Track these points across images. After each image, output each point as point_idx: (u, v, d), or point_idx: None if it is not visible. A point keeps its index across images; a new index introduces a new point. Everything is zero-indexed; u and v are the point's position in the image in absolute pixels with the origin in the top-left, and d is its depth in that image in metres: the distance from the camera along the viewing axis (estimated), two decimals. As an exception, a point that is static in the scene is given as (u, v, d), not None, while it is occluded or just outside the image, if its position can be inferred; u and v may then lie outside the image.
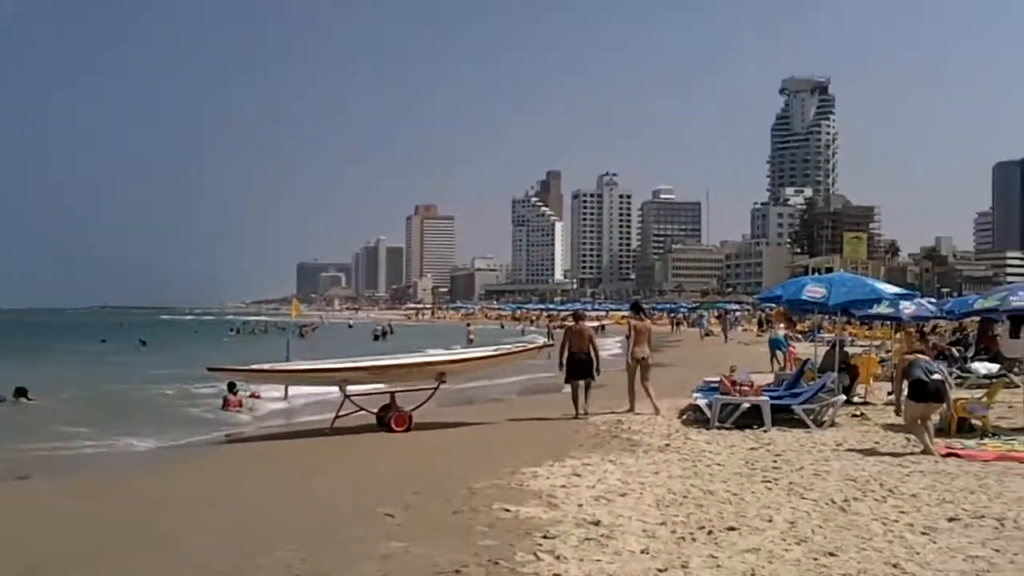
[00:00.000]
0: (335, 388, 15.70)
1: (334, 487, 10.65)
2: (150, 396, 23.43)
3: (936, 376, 11.97)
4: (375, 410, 15.32)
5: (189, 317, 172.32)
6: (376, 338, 68.52)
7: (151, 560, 7.48)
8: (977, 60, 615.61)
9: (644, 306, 20.55)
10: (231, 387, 20.08)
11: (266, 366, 16.69)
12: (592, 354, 16.52)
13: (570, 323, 17.61)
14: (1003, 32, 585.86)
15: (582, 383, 16.49)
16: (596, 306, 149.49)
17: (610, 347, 35.05)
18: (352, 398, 15.26)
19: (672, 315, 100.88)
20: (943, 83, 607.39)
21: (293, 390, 20.94)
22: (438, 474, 11.03)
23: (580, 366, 16.43)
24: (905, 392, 12.10)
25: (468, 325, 59.03)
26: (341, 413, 15.46)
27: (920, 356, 12.70)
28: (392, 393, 15.59)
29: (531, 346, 18.18)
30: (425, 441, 14.19)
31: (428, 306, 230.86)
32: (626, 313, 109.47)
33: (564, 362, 16.50)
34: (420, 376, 16.11)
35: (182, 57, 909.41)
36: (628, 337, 17.01)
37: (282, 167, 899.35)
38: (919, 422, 11.94)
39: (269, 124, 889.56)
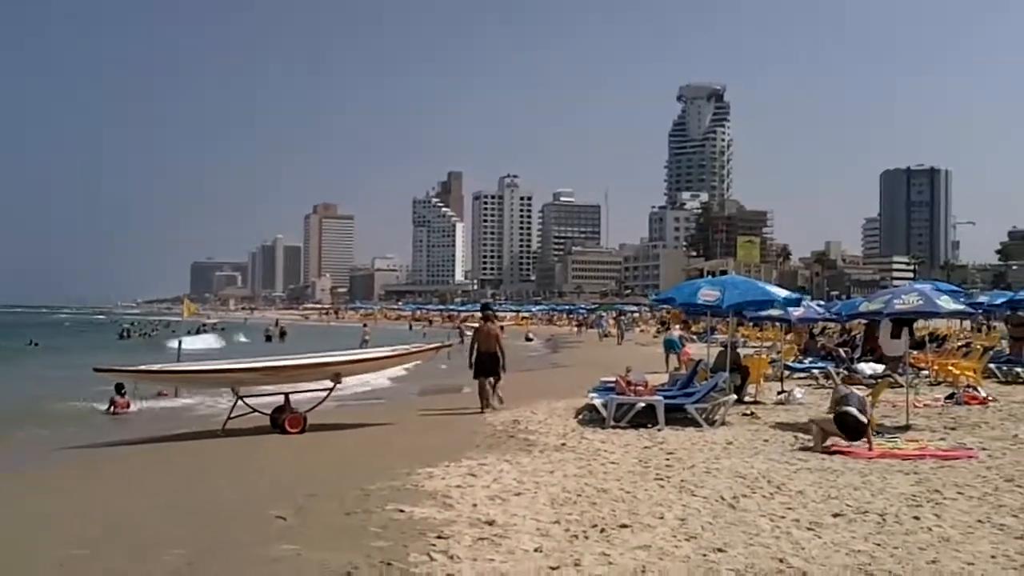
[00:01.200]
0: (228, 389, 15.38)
1: (223, 490, 10.40)
2: (37, 398, 22.51)
3: (862, 418, 12.23)
4: (269, 411, 15.05)
5: (80, 316, 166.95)
6: (269, 339, 65.30)
7: None
8: (868, 71, 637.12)
9: (493, 309, 21.56)
10: (118, 388, 19.49)
11: (155, 367, 16.28)
12: (499, 352, 17.49)
13: (478, 324, 18.46)
14: (894, 44, 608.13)
15: (490, 379, 17.43)
16: (497, 307, 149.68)
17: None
18: (245, 399, 14.97)
19: (571, 316, 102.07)
20: (835, 93, 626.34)
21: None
22: (332, 476, 10.91)
23: (487, 363, 17.38)
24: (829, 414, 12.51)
25: (364, 325, 58.29)
26: (234, 415, 15.14)
27: (855, 391, 13.10)
28: (286, 394, 15.34)
29: (428, 347, 18.09)
30: (320, 443, 14.00)
31: (327, 306, 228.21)
32: (527, 314, 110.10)
33: (473, 360, 17.40)
34: (315, 377, 15.90)
35: (78, 56, 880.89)
36: (471, 338, 18.20)
37: (177, 164, 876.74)
38: (818, 430, 12.28)
39: (163, 122, 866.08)
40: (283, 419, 14.74)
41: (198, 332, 60.12)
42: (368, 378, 21.74)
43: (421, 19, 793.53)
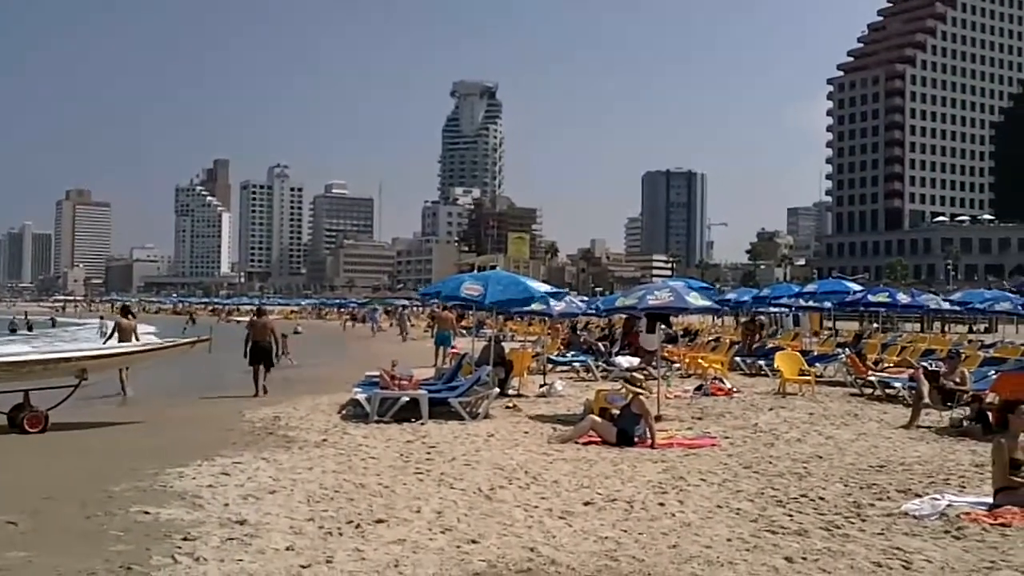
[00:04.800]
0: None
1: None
2: None
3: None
4: (6, 410, 13.94)
5: None
6: (13, 331, 62.10)
7: None
8: (634, 79, 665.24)
9: (131, 309, 23.75)
10: None
11: None
12: (273, 342, 19.80)
13: (253, 318, 20.95)
14: (659, 53, 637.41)
15: (262, 366, 19.20)
16: (264, 301, 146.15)
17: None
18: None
19: (342, 311, 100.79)
20: (603, 95, 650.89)
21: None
22: (74, 477, 10.20)
23: (261, 352, 19.31)
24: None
25: (101, 318, 54.67)
26: (-35, 414, 13.91)
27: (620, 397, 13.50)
28: (26, 391, 14.24)
29: (182, 341, 17.29)
30: (63, 442, 13.08)
31: (79, 298, 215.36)
32: (296, 308, 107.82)
33: (248, 350, 19.29)
34: (58, 373, 14.85)
35: None
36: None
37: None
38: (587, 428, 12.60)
39: None
40: (22, 418, 13.68)
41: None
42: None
43: None
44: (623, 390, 15.35)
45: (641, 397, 12.63)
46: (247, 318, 74.59)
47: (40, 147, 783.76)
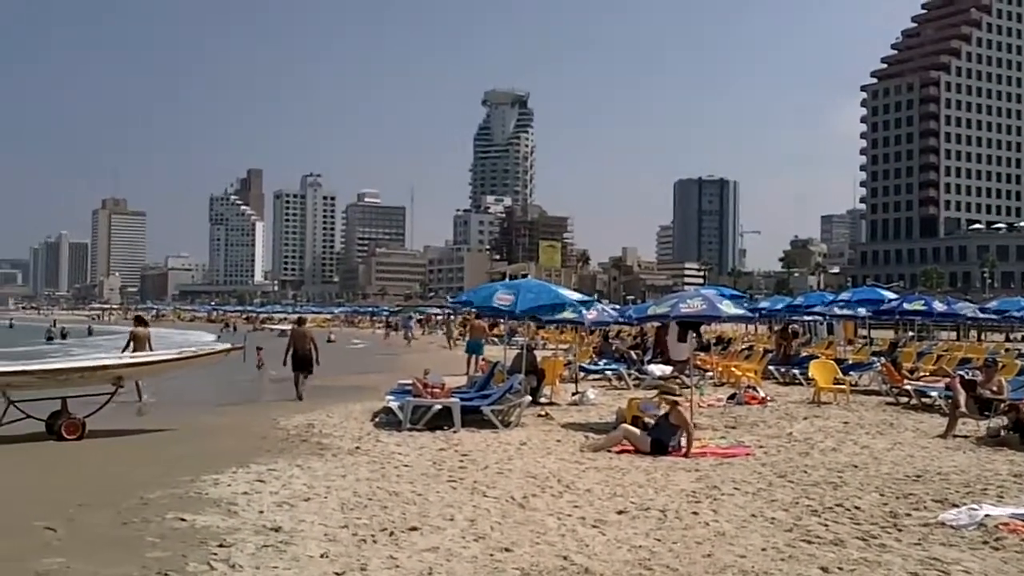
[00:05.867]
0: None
1: (-13, 501, 9.65)
2: None
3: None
4: (44, 417, 14.10)
5: None
6: (50, 339, 64.32)
7: None
8: (666, 87, 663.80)
9: (145, 318, 25.08)
10: None
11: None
12: (312, 350, 20.53)
13: (293, 327, 22.33)
14: (692, 62, 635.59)
15: (303, 374, 20.33)
16: (298, 309, 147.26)
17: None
18: (18, 404, 13.95)
19: (374, 318, 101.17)
20: (635, 103, 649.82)
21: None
22: (110, 484, 10.32)
23: (301, 360, 20.41)
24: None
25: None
26: (5, 421, 14.07)
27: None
28: (64, 399, 14.41)
29: (217, 349, 17.43)
30: (99, 449, 13.23)
31: (115, 307, 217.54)
32: (328, 316, 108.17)
33: (289, 357, 20.52)
34: (95, 381, 15.01)
35: None
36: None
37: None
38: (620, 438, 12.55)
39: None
40: (60, 425, 13.83)
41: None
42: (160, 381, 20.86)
43: (215, 7, 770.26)
44: (656, 399, 15.32)
45: (681, 408, 12.52)
46: (279, 326, 75.25)
47: (76, 157, 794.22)
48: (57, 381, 14.61)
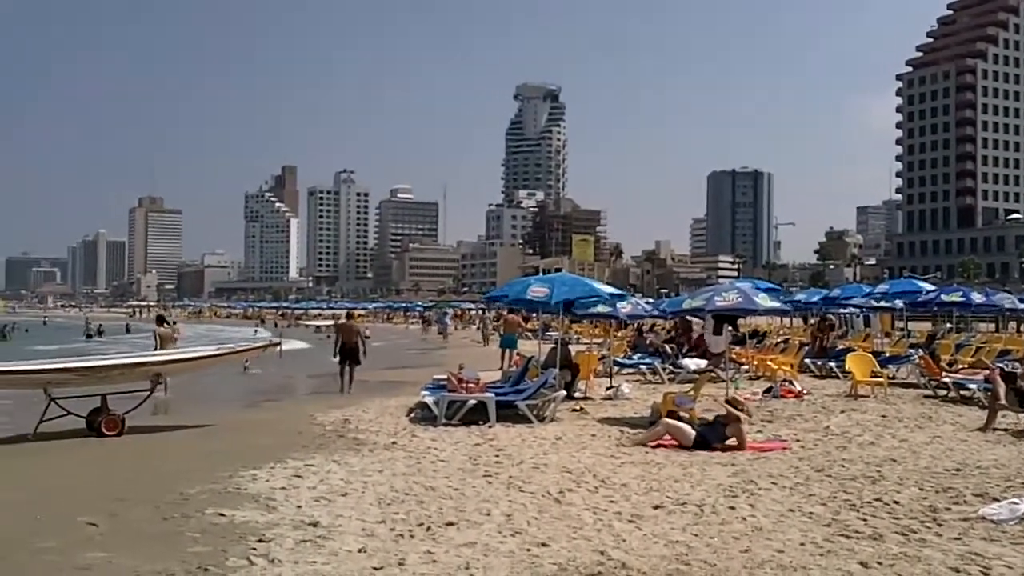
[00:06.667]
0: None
1: (31, 496, 9.73)
2: None
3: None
4: (84, 414, 14.30)
5: None
6: (89, 336, 65.45)
7: None
8: (698, 78, 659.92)
9: (167, 318, 25.46)
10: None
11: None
12: (359, 344, 21.96)
13: (341, 321, 24.22)
14: (723, 52, 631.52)
15: (350, 365, 21.59)
16: (332, 305, 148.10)
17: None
18: (59, 401, 14.15)
19: (408, 314, 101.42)
20: (667, 95, 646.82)
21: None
22: (150, 479, 10.44)
23: (348, 353, 21.68)
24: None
25: (174, 323, 55.96)
26: (46, 418, 14.27)
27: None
28: (104, 395, 14.60)
29: (254, 346, 17.56)
30: (139, 445, 13.40)
31: (153, 304, 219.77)
32: (363, 312, 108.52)
33: (337, 350, 21.84)
34: (134, 378, 15.20)
35: None
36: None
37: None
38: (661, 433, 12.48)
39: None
40: (100, 421, 14.02)
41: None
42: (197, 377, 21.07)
43: (249, 4, 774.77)
44: (691, 392, 15.28)
45: (743, 426, 12.37)
46: (315, 322, 75.88)
47: (113, 156, 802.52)
48: (97, 378, 14.80)
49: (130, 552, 7.08)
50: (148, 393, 14.94)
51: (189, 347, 20.39)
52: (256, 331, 63.85)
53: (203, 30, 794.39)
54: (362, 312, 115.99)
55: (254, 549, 7.11)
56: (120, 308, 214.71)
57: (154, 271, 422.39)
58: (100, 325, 74.95)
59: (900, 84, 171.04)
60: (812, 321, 35.48)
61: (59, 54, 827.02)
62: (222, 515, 8.26)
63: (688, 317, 24.52)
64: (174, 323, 25.75)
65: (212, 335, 60.03)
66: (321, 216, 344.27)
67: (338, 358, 21.87)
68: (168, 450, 13.15)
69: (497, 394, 15.46)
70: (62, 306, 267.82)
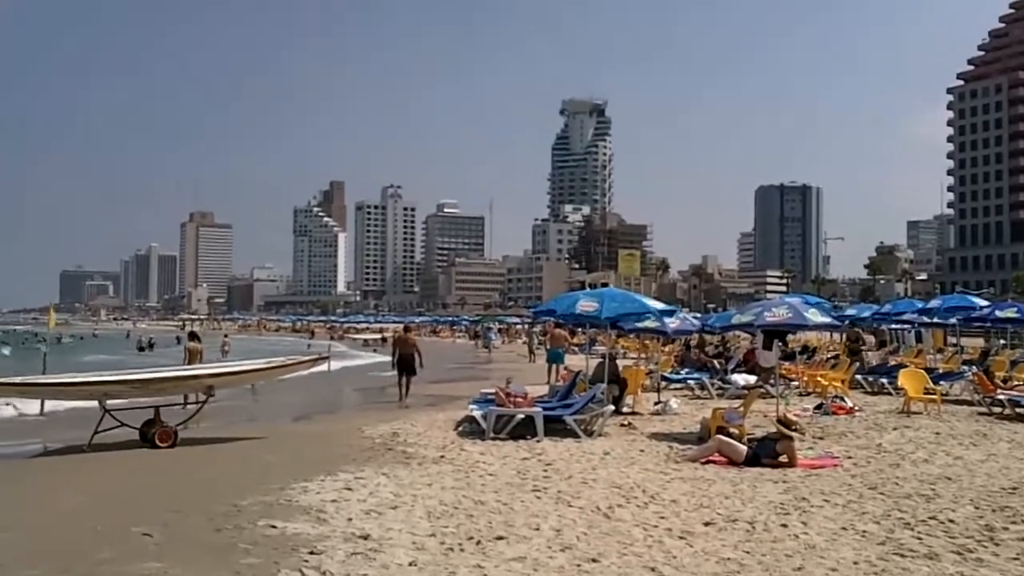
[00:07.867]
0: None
1: (87, 507, 9.92)
2: None
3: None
4: (138, 425, 14.52)
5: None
6: (141, 349, 67.32)
7: None
8: (744, 91, 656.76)
9: (198, 333, 25.45)
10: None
11: (17, 379, 15.48)
12: (416, 355, 23.22)
13: (399, 335, 25.93)
14: (771, 66, 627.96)
15: (404, 377, 22.97)
16: (379, 318, 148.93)
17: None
18: (113, 413, 14.39)
19: (454, 328, 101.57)
20: (714, 109, 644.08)
21: (51, 404, 19.43)
22: (202, 491, 10.57)
23: (405, 364, 23.11)
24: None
25: (225, 336, 56.31)
26: (101, 429, 14.51)
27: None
28: (157, 407, 14.82)
29: (304, 359, 17.73)
30: (191, 457, 13.58)
31: (203, 317, 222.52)
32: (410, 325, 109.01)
33: (395, 361, 23.45)
34: (187, 389, 15.42)
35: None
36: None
37: (44, 170, 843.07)
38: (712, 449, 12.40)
39: (29, 125, 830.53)
40: (153, 433, 14.23)
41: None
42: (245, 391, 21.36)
43: (294, 19, 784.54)
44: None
45: (793, 445, 12.25)
46: (364, 336, 76.90)
47: (165, 172, 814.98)
48: (152, 390, 15.04)
49: (184, 563, 7.16)
50: (200, 405, 15.14)
51: (239, 360, 20.59)
52: (309, 345, 64.33)
53: (252, 46, 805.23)
54: (411, 326, 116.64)
55: (306, 561, 7.15)
56: (171, 321, 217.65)
57: (204, 285, 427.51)
58: (151, 338, 76.08)
59: (951, 97, 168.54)
60: (847, 339, 34.63)
61: (116, 66, 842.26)
62: (274, 527, 8.34)
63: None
64: (224, 336, 26.24)
65: (262, 349, 60.57)
66: (368, 231, 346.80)
67: (395, 369, 23.29)
68: (220, 462, 13.31)
69: (545, 408, 15.44)
70: (114, 319, 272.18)
